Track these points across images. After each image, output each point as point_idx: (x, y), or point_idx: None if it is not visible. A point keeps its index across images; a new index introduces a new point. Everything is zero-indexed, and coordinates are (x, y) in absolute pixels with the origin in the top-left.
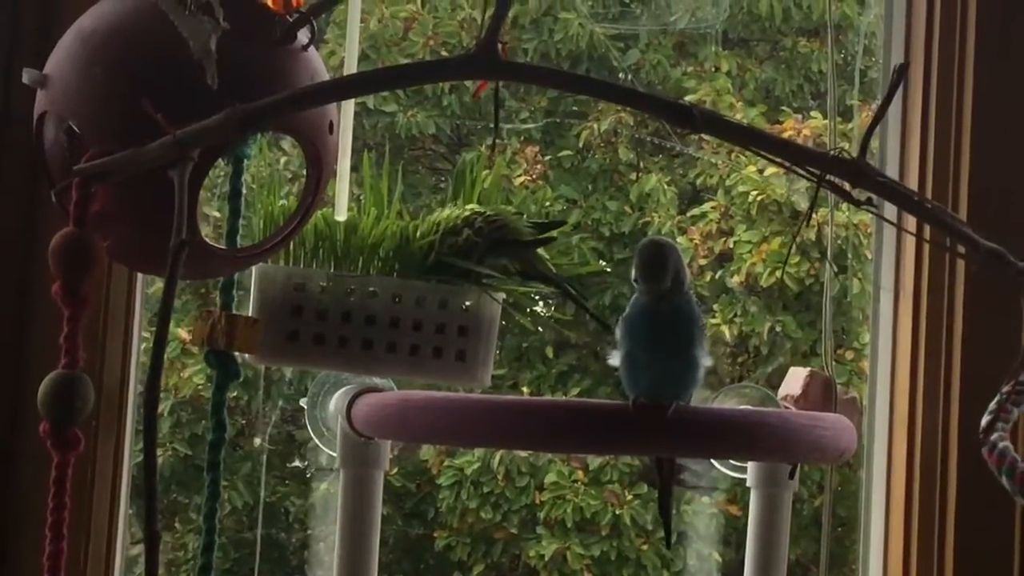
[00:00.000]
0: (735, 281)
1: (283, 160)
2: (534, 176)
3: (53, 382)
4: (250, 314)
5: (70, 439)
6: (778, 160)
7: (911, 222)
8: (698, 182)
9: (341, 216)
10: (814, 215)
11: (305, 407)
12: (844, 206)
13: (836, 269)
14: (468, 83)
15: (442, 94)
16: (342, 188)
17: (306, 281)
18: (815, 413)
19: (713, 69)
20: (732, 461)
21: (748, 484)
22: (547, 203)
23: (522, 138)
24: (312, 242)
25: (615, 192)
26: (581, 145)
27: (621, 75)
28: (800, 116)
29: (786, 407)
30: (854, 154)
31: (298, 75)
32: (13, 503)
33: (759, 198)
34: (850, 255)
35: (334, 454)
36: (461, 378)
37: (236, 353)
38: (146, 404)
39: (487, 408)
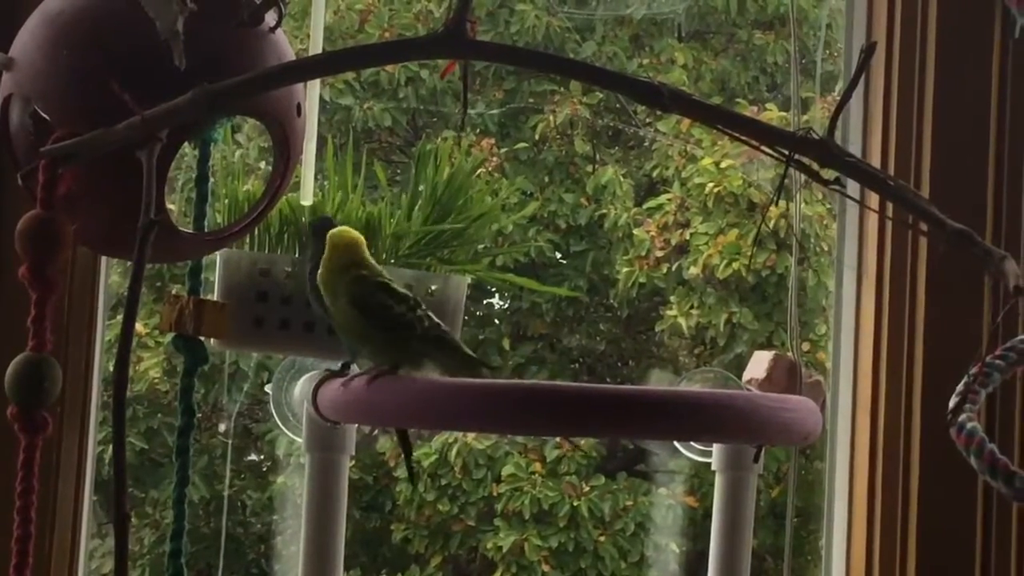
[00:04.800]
0: (692, 272)
1: (238, 153)
2: (490, 168)
3: (21, 364)
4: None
5: (38, 422)
6: (746, 139)
7: (874, 205)
8: (654, 174)
9: (307, 201)
10: (771, 207)
11: (270, 393)
12: (801, 198)
13: (790, 253)
14: (425, 75)
15: (398, 86)
16: (307, 173)
17: (271, 266)
18: (781, 395)
19: (669, 62)
20: (697, 444)
21: (713, 468)
22: (504, 195)
23: (478, 130)
24: (277, 227)
25: (571, 184)
26: (537, 137)
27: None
28: (756, 108)
29: (750, 390)
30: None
31: (265, 56)
32: None
33: (715, 190)
34: (809, 246)
35: (299, 439)
36: None
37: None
38: (116, 384)
39: (453, 391)
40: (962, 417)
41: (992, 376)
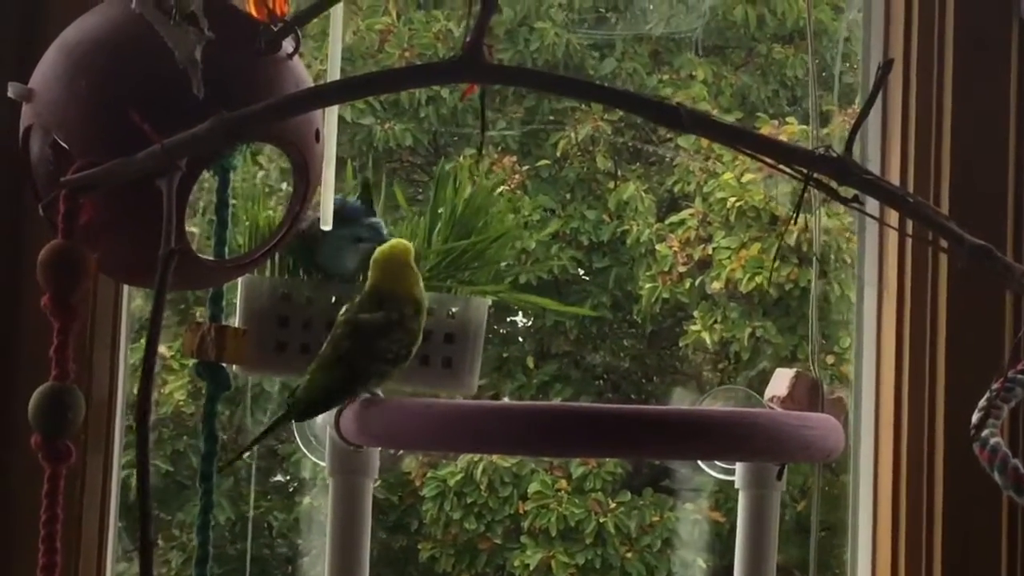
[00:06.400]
0: (715, 287)
1: (260, 175)
2: (512, 186)
3: (44, 394)
4: (237, 325)
5: (61, 451)
6: (765, 159)
7: (893, 222)
8: (676, 189)
9: (327, 226)
10: (794, 220)
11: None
12: (824, 212)
13: (822, 269)
14: (445, 94)
15: (419, 106)
16: (327, 197)
17: (292, 291)
18: (803, 413)
19: (689, 77)
20: (720, 463)
21: (736, 486)
22: (526, 212)
23: (499, 148)
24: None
25: (593, 201)
26: (559, 154)
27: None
28: (776, 122)
29: (772, 408)
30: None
31: (283, 84)
32: (6, 516)
33: (737, 204)
34: (831, 259)
35: (322, 463)
36: (448, 385)
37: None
38: (138, 410)
39: (474, 414)
40: (985, 432)
41: (1014, 391)
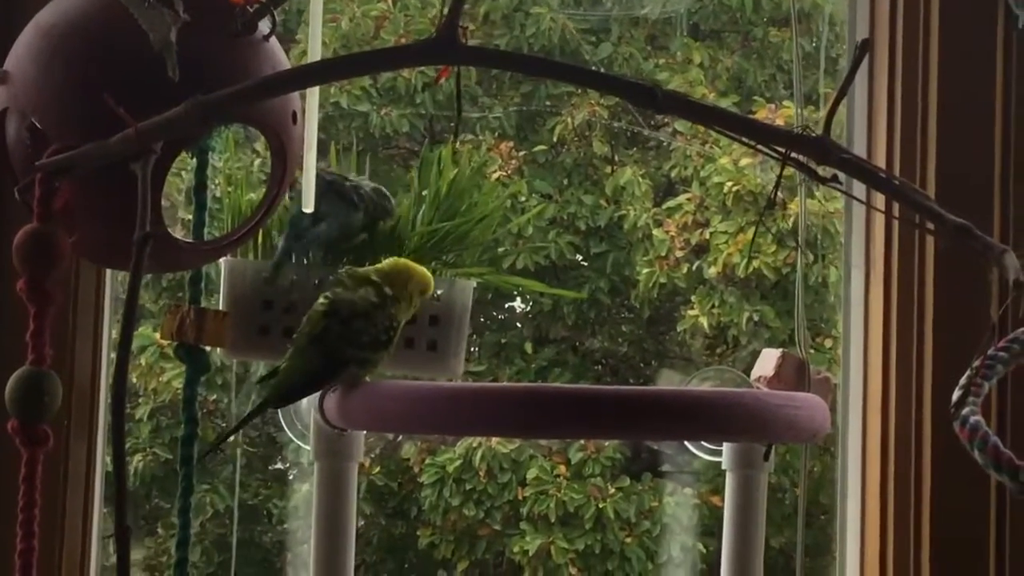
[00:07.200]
0: (712, 272)
1: (257, 162)
2: (509, 171)
3: (20, 379)
4: (220, 308)
5: (39, 436)
6: (743, 139)
7: (880, 202)
8: (673, 174)
9: (308, 208)
10: (790, 204)
11: None
12: (819, 195)
13: (808, 250)
14: (441, 80)
15: (415, 92)
16: (308, 179)
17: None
18: (788, 393)
19: (685, 61)
20: (707, 443)
21: (723, 467)
22: (508, 196)
23: (496, 134)
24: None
25: (590, 186)
26: (555, 139)
27: (593, 69)
28: (773, 105)
29: (759, 387)
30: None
31: (260, 66)
32: None
33: (734, 189)
34: (826, 243)
35: (308, 447)
36: (433, 368)
37: (208, 347)
38: (114, 396)
39: (458, 395)
40: (965, 410)
41: (995, 368)
